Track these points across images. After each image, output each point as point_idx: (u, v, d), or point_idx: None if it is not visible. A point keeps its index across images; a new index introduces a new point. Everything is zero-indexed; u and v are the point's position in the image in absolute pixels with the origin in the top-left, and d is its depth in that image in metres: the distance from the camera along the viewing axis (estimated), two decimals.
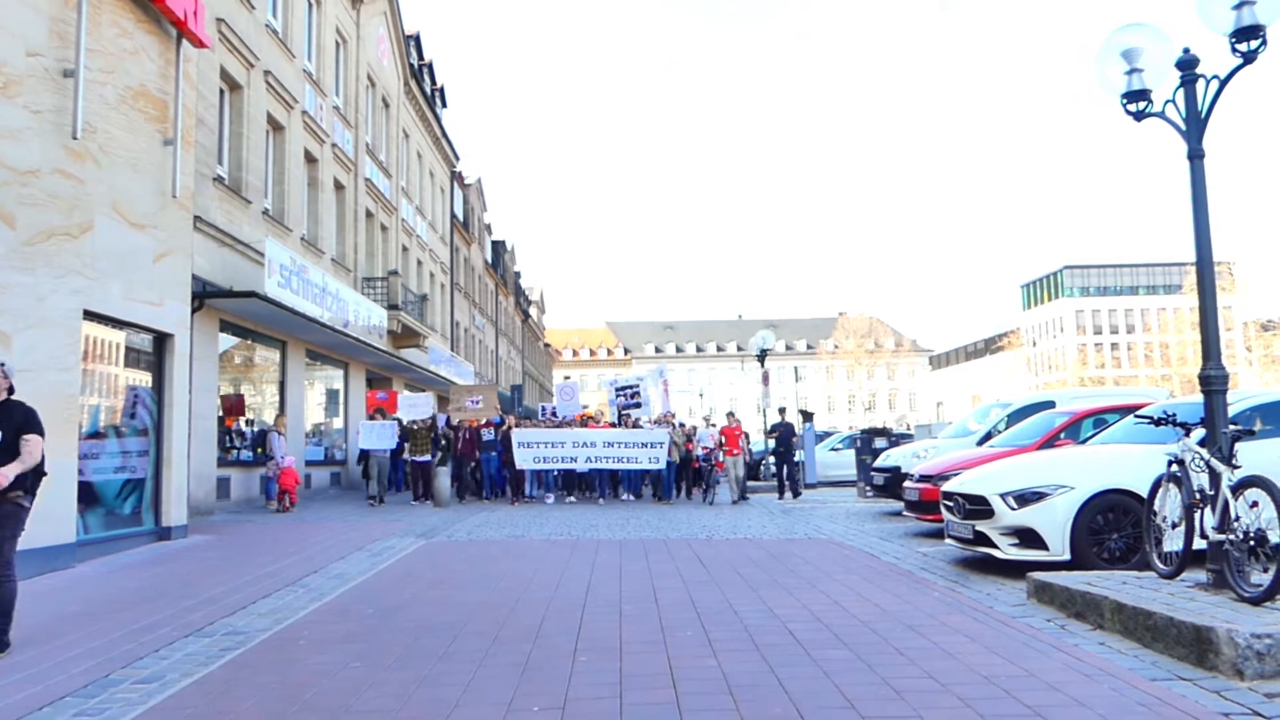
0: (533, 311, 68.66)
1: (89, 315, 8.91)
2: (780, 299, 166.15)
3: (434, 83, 34.30)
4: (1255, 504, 5.00)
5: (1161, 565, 5.83)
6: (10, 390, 5.31)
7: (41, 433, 5.26)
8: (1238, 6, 5.26)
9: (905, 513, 10.58)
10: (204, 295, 13.35)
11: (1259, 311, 63.09)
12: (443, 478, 15.76)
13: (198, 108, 12.30)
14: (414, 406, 17.38)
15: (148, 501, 10.24)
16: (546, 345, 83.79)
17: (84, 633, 5.62)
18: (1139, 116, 5.95)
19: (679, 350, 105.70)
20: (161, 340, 10.47)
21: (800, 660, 4.64)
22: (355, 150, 22.34)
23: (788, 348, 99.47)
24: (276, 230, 17.01)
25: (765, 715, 3.76)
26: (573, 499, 16.84)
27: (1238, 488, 5.13)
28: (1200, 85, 5.66)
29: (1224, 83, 5.56)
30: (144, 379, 10.36)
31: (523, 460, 15.95)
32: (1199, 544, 5.50)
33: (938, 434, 17.25)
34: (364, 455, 17.70)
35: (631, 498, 16.88)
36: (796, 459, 18.32)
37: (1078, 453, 8.36)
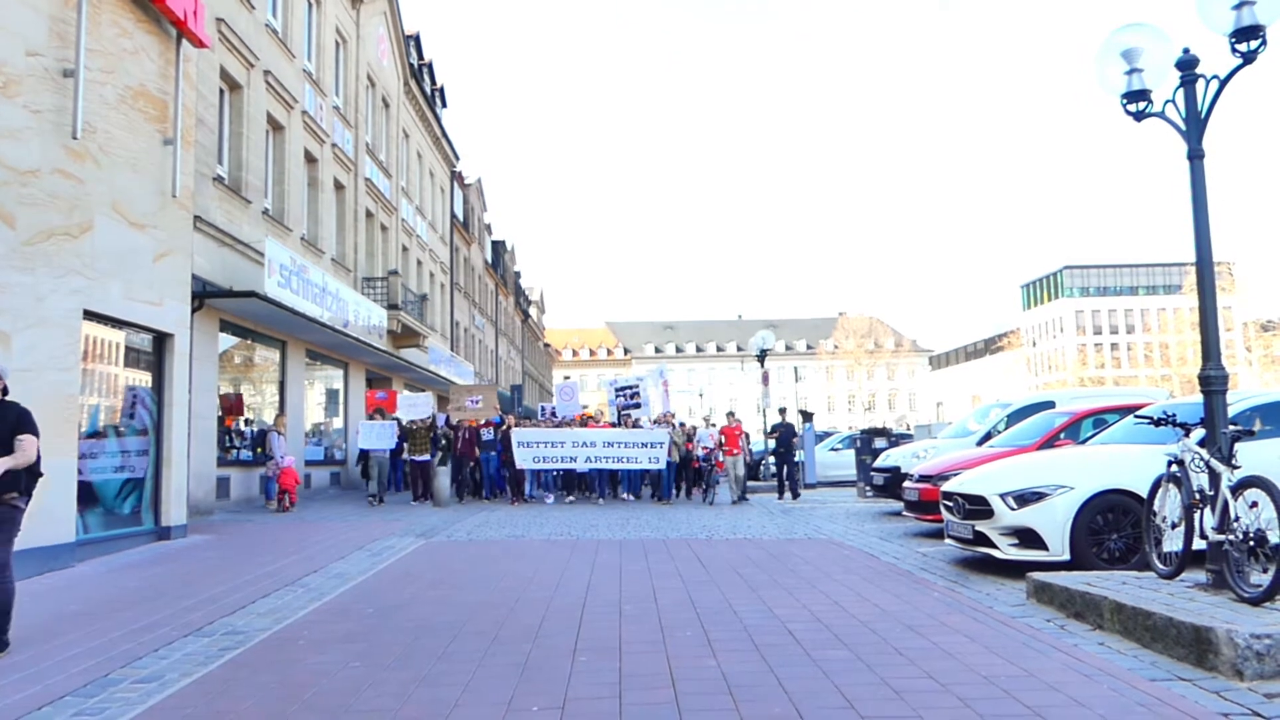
0: (533, 311, 68.68)
1: (89, 315, 8.91)
2: (780, 299, 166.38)
3: (434, 83, 34.30)
4: (1255, 504, 5.00)
5: (1161, 565, 5.83)
6: (4, 391, 5.30)
7: (36, 433, 5.23)
8: (1238, 6, 5.26)
9: (905, 513, 10.58)
10: (204, 295, 13.35)
11: (1259, 312, 63.13)
12: (442, 477, 15.76)
13: (197, 107, 12.30)
14: (413, 406, 17.38)
15: (147, 501, 10.24)
16: (546, 345, 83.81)
17: (83, 632, 5.62)
18: (1139, 117, 5.95)
19: (679, 350, 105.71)
20: (161, 340, 10.47)
21: (800, 660, 4.64)
22: (355, 150, 22.34)
23: (788, 348, 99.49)
24: (276, 230, 17.01)
25: (765, 715, 3.76)
26: (572, 499, 16.84)
27: (1237, 488, 5.13)
28: (1200, 85, 5.66)
29: (1224, 83, 5.56)
30: (144, 379, 10.36)
31: (522, 460, 15.95)
32: (1198, 544, 5.50)
33: (937, 434, 17.25)
34: (363, 455, 17.70)
35: (631, 498, 16.88)
36: (797, 459, 18.32)
37: (1077, 453, 8.36)
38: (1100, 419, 10.03)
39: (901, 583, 7.03)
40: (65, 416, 8.35)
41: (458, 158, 36.32)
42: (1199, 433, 5.70)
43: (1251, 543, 5.02)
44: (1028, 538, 7.05)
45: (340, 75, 21.96)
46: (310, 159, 19.44)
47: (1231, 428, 5.49)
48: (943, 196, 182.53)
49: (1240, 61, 5.38)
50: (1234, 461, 5.31)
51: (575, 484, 17.54)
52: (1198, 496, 5.50)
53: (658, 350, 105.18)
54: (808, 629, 5.38)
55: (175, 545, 10.01)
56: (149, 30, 10.19)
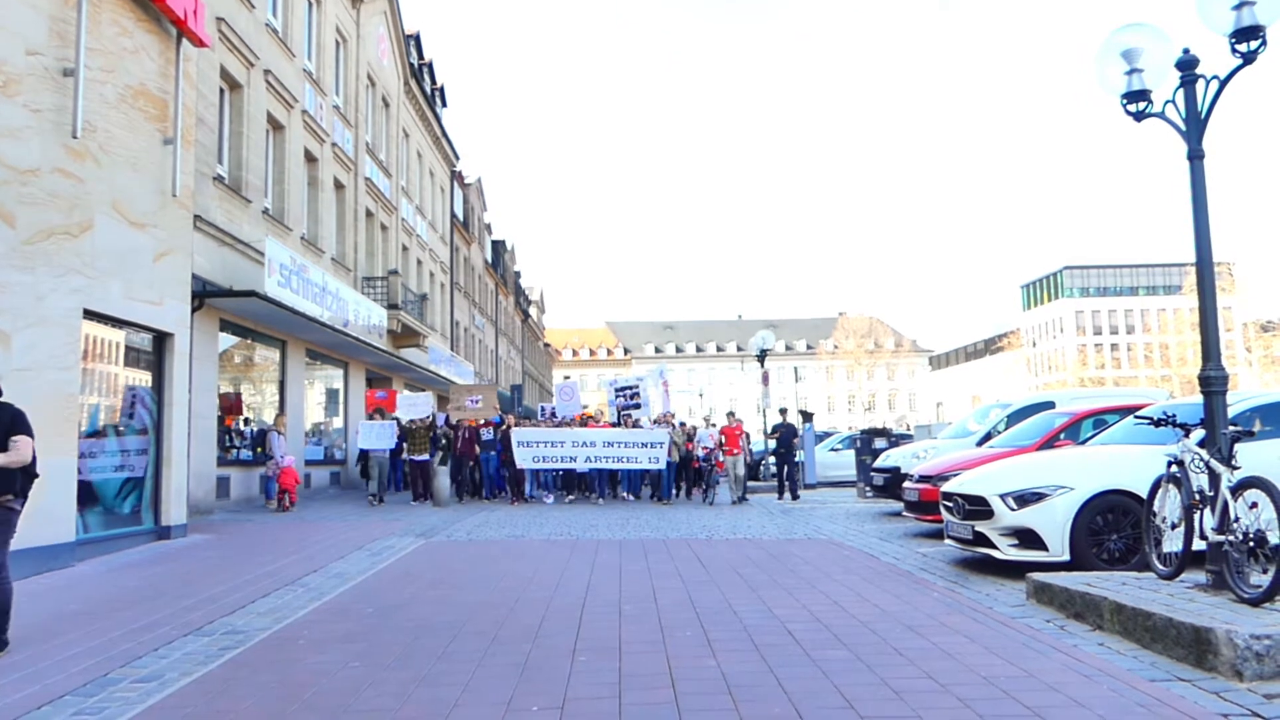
0: (533, 311, 68.68)
1: (89, 314, 8.91)
2: (780, 299, 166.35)
3: (434, 82, 34.29)
4: (1255, 505, 5.00)
5: (1161, 566, 5.83)
6: None
7: (31, 434, 5.21)
8: (1238, 7, 5.26)
9: (905, 513, 10.58)
10: (204, 294, 13.35)
11: (1259, 312, 63.18)
12: (442, 477, 15.76)
13: (198, 107, 12.30)
14: (413, 406, 17.38)
15: (147, 501, 10.24)
16: (546, 345, 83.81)
17: (83, 632, 5.62)
18: (1139, 117, 5.95)
19: (679, 350, 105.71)
20: (161, 339, 10.47)
21: (799, 660, 4.64)
22: (355, 150, 22.34)
23: (787, 348, 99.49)
24: (276, 229, 17.01)
25: (764, 715, 3.76)
26: (572, 499, 16.84)
27: (1237, 489, 5.13)
28: (1200, 86, 5.66)
29: (1224, 83, 5.56)
30: (144, 378, 10.36)
31: (522, 460, 15.95)
32: (1198, 545, 5.50)
33: (937, 434, 17.24)
34: (363, 455, 17.70)
35: (631, 498, 16.88)
36: (797, 459, 18.31)
37: (1077, 453, 8.36)
38: (1100, 419, 10.03)
39: (901, 583, 7.03)
40: (65, 416, 8.36)
41: (458, 157, 36.32)
42: (1199, 433, 5.70)
43: (1251, 543, 5.02)
44: (1027, 538, 7.04)
45: (340, 75, 21.96)
46: (310, 158, 19.44)
47: (1231, 428, 5.49)
48: (942, 197, 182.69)
49: (1240, 62, 5.38)
50: (1234, 462, 5.31)
51: (575, 484, 17.54)
52: (1197, 497, 5.50)
53: (658, 350, 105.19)
54: (807, 629, 5.38)
55: (175, 545, 10.00)
56: (149, 29, 10.19)
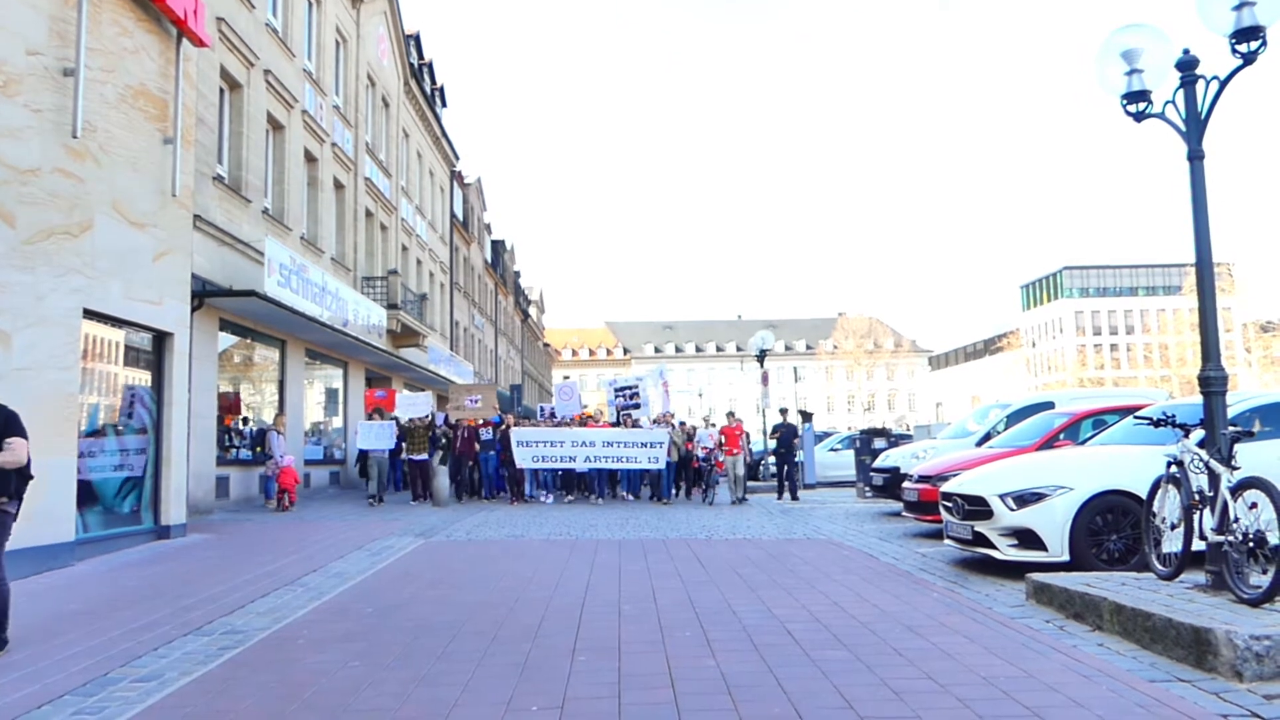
0: (532, 311, 68.68)
1: (89, 314, 8.91)
2: (780, 299, 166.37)
3: (434, 82, 34.30)
4: (1254, 505, 5.00)
5: (1160, 566, 5.83)
6: None
7: (25, 436, 5.20)
8: (1238, 7, 5.27)
9: (904, 513, 10.59)
10: (203, 294, 13.35)
11: (1258, 312, 63.25)
12: (442, 477, 15.75)
13: (198, 107, 12.30)
14: (412, 405, 17.38)
15: (147, 500, 10.24)
16: (546, 345, 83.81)
17: (83, 631, 5.62)
18: (1139, 117, 5.95)
19: (678, 350, 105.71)
20: (161, 339, 10.47)
21: (799, 661, 4.65)
22: (355, 150, 22.34)
23: (787, 348, 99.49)
24: (276, 229, 17.01)
25: (764, 715, 3.76)
26: (571, 499, 16.84)
27: (1237, 489, 5.13)
28: (1200, 86, 5.66)
29: (1224, 84, 5.56)
30: (143, 378, 10.36)
31: (522, 459, 15.95)
32: (1198, 545, 5.50)
33: (937, 434, 17.24)
34: (362, 455, 17.69)
35: (630, 498, 16.88)
36: (797, 459, 18.31)
37: (1077, 454, 8.36)
38: (1100, 420, 10.03)
39: (901, 583, 7.03)
40: (65, 415, 8.36)
41: (457, 157, 36.33)
42: (1198, 434, 5.70)
43: (1251, 544, 5.02)
44: (1027, 538, 7.05)
45: (340, 75, 21.96)
46: (310, 158, 19.44)
47: (1231, 429, 5.49)
48: (942, 197, 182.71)
49: (1240, 62, 5.38)
50: (1233, 462, 5.31)
51: (574, 484, 17.55)
52: (1197, 497, 5.50)
53: (657, 350, 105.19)
54: (807, 629, 5.38)
55: (174, 544, 10.00)
56: (149, 29, 10.19)
